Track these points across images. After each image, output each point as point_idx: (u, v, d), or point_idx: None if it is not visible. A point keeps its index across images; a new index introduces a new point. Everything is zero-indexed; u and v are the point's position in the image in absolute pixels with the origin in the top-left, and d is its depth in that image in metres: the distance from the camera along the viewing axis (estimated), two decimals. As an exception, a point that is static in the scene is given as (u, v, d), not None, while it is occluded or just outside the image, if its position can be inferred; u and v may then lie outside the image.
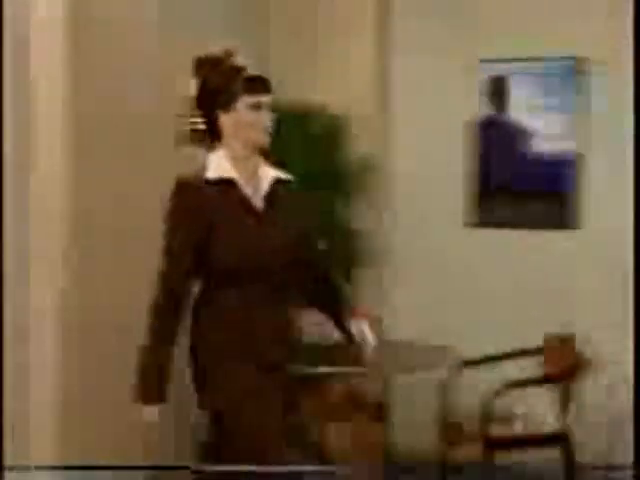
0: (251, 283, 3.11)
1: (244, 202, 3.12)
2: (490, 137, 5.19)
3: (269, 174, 3.20)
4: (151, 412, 3.08)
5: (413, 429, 5.07)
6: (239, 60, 3.13)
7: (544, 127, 5.11)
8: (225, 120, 3.11)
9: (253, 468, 2.98)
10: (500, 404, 4.36)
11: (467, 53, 5.15)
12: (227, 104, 3.08)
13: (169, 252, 3.09)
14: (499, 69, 5.13)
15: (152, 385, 3.08)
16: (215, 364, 3.13)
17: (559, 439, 4.52)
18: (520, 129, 5.15)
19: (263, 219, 3.12)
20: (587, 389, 4.53)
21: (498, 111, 5.20)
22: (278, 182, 3.21)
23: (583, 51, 5.00)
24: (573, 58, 5.00)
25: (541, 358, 4.71)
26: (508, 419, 4.54)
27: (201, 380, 3.15)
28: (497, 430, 4.41)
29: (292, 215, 3.22)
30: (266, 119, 3.12)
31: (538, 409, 4.61)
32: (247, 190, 3.13)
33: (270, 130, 3.14)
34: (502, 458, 4.46)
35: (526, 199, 5.15)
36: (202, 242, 3.06)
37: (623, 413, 4.66)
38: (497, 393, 4.30)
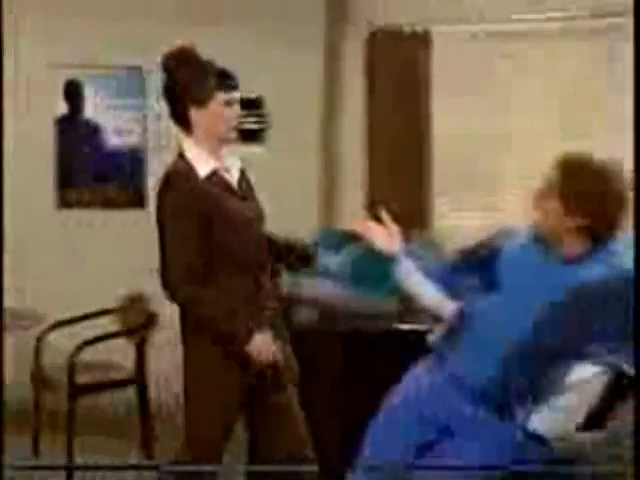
0: (248, 260, 2.98)
1: (229, 188, 2.98)
2: (71, 133, 5.32)
3: (235, 163, 3.06)
4: (262, 340, 2.90)
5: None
6: (203, 55, 2.96)
7: (117, 124, 5.32)
8: (197, 115, 2.92)
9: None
10: (85, 356, 4.51)
11: (49, 56, 5.17)
12: (201, 101, 2.91)
13: (188, 237, 2.88)
14: (76, 73, 5.25)
15: (241, 323, 2.90)
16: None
17: (135, 383, 4.73)
18: (96, 126, 5.32)
19: (244, 201, 3.00)
20: (157, 339, 4.76)
21: (75, 111, 5.32)
22: (242, 169, 3.09)
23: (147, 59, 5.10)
24: (138, 67, 5.22)
25: (120, 315, 4.92)
26: (91, 368, 4.65)
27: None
28: (82, 378, 4.53)
29: (253, 195, 3.09)
30: (236, 114, 2.99)
31: (117, 358, 4.77)
32: (224, 174, 2.99)
33: (236, 124, 3.00)
34: (87, 402, 4.61)
35: (104, 185, 5.35)
36: (204, 229, 2.88)
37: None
38: (80, 347, 4.45)
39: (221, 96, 2.93)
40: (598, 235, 2.74)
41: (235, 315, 2.91)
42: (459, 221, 5.30)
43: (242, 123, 5.24)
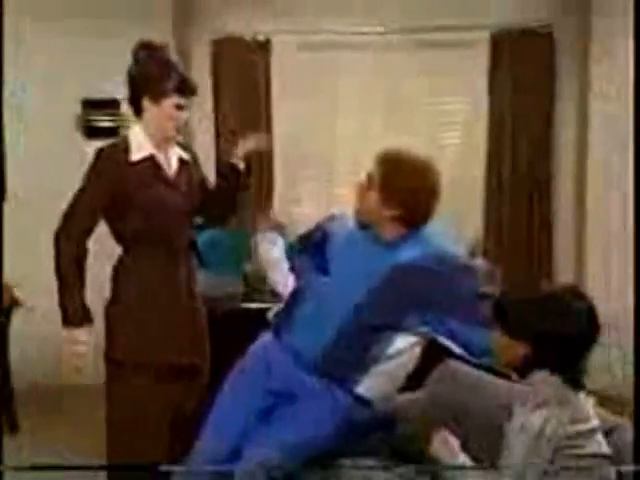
0: (164, 243, 2.93)
1: (160, 174, 2.93)
2: None
3: (175, 152, 3.00)
4: (78, 334, 2.82)
5: None
6: (173, 57, 2.90)
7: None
8: (149, 107, 2.88)
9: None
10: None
11: None
12: (156, 97, 2.86)
13: (79, 204, 2.86)
14: None
15: (76, 307, 2.83)
16: (129, 314, 2.94)
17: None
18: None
19: (173, 189, 2.95)
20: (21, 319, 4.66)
21: None
22: (181, 159, 3.02)
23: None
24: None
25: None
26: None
27: (115, 333, 2.95)
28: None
29: (191, 183, 3.03)
30: (184, 117, 2.92)
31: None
32: (162, 163, 2.95)
33: (183, 124, 2.93)
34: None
35: None
36: (119, 208, 2.87)
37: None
38: None
39: (175, 99, 2.87)
40: (412, 222, 2.82)
41: (73, 293, 2.88)
42: (300, 210, 5.41)
43: (99, 121, 5.31)
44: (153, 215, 2.90)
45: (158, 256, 2.93)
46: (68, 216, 2.89)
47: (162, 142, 2.95)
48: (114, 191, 2.86)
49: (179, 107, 2.89)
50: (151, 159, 2.92)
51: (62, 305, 2.88)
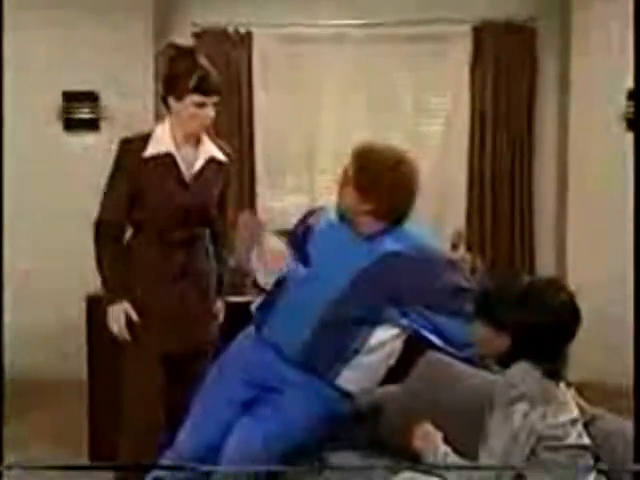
0: (163, 235, 3.01)
1: (173, 171, 3.00)
2: None
3: (206, 152, 3.06)
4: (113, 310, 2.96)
5: None
6: (201, 58, 2.95)
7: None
8: (173, 105, 2.97)
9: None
10: None
11: None
12: (179, 95, 2.94)
13: (109, 193, 3.01)
14: None
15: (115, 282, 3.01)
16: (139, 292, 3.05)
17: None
18: None
19: (186, 187, 3.01)
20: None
21: None
22: (212, 159, 3.07)
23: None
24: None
25: None
26: None
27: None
28: None
29: (212, 184, 3.08)
30: (208, 115, 2.96)
31: None
32: (180, 162, 3.00)
33: (209, 122, 2.99)
34: None
35: None
36: (133, 198, 2.99)
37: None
38: None
39: (196, 97, 2.92)
40: (389, 217, 2.81)
41: (110, 277, 3.04)
42: (279, 204, 5.41)
43: (78, 113, 5.30)
44: (155, 209, 2.99)
45: (155, 246, 3.02)
46: (103, 206, 3.04)
47: (186, 139, 3.02)
48: (130, 184, 2.99)
49: (200, 105, 2.93)
50: (167, 156, 2.99)
51: (104, 280, 3.05)
